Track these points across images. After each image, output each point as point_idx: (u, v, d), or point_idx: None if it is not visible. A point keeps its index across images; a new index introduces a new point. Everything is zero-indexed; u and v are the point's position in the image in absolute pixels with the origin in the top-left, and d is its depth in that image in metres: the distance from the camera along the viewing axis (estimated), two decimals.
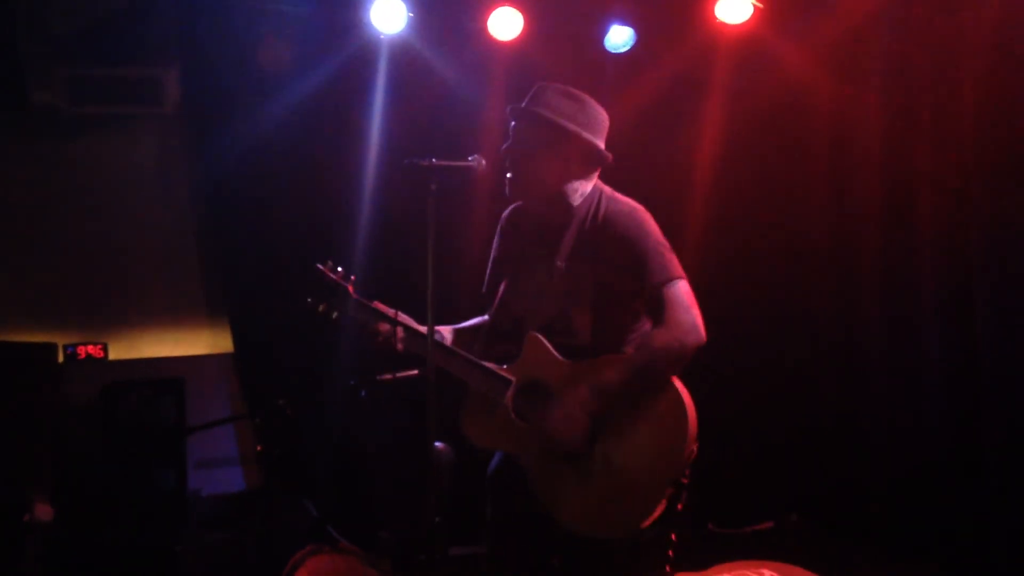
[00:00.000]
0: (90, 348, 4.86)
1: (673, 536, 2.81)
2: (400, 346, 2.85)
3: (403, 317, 2.88)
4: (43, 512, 4.04)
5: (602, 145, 2.84)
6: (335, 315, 2.90)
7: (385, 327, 2.85)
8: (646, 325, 2.82)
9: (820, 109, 5.11)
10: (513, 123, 2.86)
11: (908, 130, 4.61)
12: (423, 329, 2.85)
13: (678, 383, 2.71)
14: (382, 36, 4.70)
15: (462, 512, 3.35)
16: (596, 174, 2.87)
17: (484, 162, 2.79)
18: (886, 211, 4.78)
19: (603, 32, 4.93)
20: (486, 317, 3.02)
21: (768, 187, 5.26)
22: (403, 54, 4.81)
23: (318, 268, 2.92)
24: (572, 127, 2.77)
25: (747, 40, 4.91)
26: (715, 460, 4.71)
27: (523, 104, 2.84)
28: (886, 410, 4.84)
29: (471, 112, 4.81)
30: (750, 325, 5.25)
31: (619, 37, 4.93)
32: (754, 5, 4.78)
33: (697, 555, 4.25)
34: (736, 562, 4.15)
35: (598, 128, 2.83)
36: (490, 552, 2.97)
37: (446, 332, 2.98)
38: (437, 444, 2.60)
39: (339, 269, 2.93)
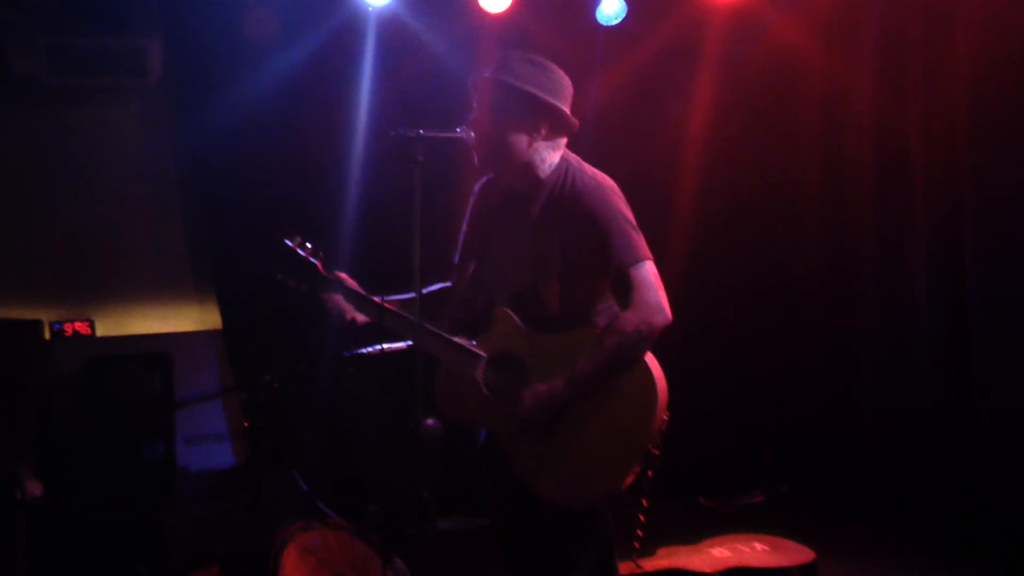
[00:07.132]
0: (77, 325, 4.83)
1: (644, 506, 2.82)
2: (356, 318, 2.88)
3: (349, 284, 2.89)
4: (34, 488, 4.02)
5: (568, 112, 2.79)
6: (306, 290, 2.88)
7: (345, 303, 2.87)
8: (612, 298, 2.81)
9: (812, 77, 5.11)
10: (478, 93, 2.80)
11: (900, 95, 4.60)
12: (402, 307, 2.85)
13: (647, 355, 2.70)
14: (370, 7, 4.64)
15: (451, 487, 3.36)
16: (564, 142, 2.83)
17: (472, 133, 2.75)
18: (878, 169, 4.78)
19: (594, 4, 4.87)
20: (448, 283, 3.02)
21: (761, 155, 5.25)
22: (391, 26, 4.76)
23: (286, 244, 2.90)
24: (541, 95, 2.72)
25: (739, 10, 4.88)
26: (706, 434, 4.82)
27: (488, 73, 2.78)
28: (877, 384, 4.85)
29: (459, 85, 4.74)
30: (740, 295, 5.27)
31: (611, 8, 4.87)
32: None
33: (688, 528, 4.28)
34: (728, 535, 4.18)
35: (564, 95, 2.78)
36: (491, 523, 3.01)
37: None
38: (427, 419, 2.58)
39: (308, 245, 2.91)
